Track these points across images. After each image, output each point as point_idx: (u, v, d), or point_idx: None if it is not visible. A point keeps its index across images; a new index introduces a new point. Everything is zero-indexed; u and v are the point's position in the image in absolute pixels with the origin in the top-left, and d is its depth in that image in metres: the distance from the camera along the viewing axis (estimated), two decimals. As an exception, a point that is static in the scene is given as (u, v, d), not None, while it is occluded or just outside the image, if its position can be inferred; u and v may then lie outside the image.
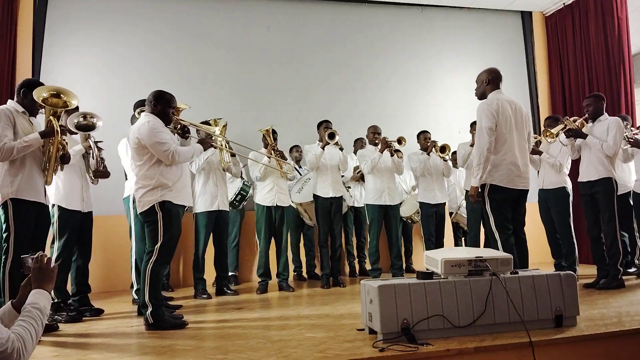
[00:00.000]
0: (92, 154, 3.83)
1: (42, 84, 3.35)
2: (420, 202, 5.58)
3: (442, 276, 2.81)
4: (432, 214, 5.51)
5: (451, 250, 3.02)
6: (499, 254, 2.91)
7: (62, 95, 3.27)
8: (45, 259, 1.90)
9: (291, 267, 5.71)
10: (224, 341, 2.88)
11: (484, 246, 5.59)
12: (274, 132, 5.14)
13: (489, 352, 2.48)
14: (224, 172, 5.04)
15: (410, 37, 7.02)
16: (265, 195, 5.12)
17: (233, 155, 5.04)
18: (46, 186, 3.37)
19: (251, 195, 5.58)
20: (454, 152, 5.74)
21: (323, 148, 5.14)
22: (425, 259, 2.97)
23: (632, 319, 3.02)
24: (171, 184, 3.43)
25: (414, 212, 6.00)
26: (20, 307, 1.83)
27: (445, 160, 5.48)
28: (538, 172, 5.19)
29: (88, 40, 5.98)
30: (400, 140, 5.23)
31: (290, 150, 6.04)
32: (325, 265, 5.25)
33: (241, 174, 5.48)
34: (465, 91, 6.99)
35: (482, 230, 5.37)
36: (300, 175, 5.79)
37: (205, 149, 3.86)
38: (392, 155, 5.33)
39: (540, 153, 5.04)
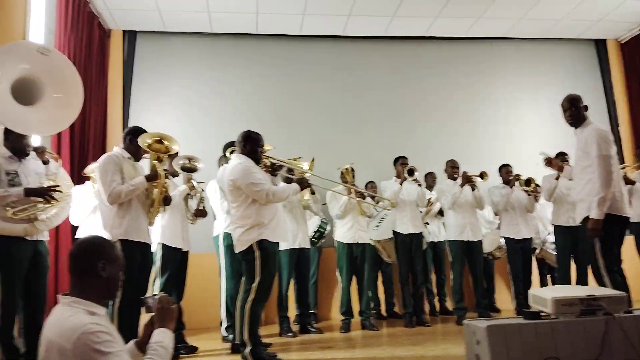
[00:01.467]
0: (194, 195, 4.01)
1: (146, 131, 3.57)
2: (505, 238, 5.41)
3: (552, 316, 2.70)
4: (518, 250, 5.33)
5: (559, 289, 2.91)
6: (612, 291, 2.77)
7: (164, 141, 3.48)
8: (167, 299, 1.98)
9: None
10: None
11: (578, 282, 5.31)
12: (352, 170, 5.20)
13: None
14: (303, 210, 5.13)
15: (482, 71, 7.00)
16: (345, 232, 5.15)
17: (313, 192, 5.13)
18: (149, 227, 3.55)
19: (329, 232, 5.62)
20: (537, 185, 5.56)
21: (401, 184, 5.13)
22: (531, 297, 2.88)
23: None
24: (267, 221, 3.54)
25: (495, 248, 5.84)
26: (143, 346, 1.91)
27: (530, 194, 5.32)
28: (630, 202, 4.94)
29: (170, 89, 6.35)
30: (482, 175, 5.15)
31: (365, 186, 6.06)
32: (407, 303, 5.17)
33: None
34: (541, 124, 6.88)
35: (572, 266, 5.16)
36: (377, 212, 5.79)
37: (302, 189, 3.95)
38: (472, 189, 5.25)
39: (633, 182, 4.82)
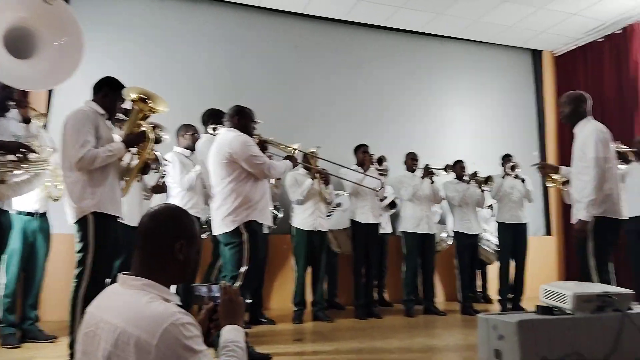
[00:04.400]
0: (157, 168, 3.51)
1: (123, 84, 3.03)
2: (456, 232, 5.50)
3: (570, 311, 2.69)
4: (468, 245, 5.45)
5: (572, 285, 2.93)
6: (622, 290, 2.84)
7: (148, 100, 2.97)
8: (234, 289, 1.64)
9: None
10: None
11: (515, 279, 5.54)
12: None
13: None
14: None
15: (432, 67, 7.06)
16: (305, 219, 4.90)
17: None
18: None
19: (280, 219, 5.32)
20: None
21: (364, 172, 5.00)
22: (545, 292, 2.85)
23: None
24: (256, 201, 3.21)
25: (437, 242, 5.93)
26: None
27: (483, 191, 5.44)
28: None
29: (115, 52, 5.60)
30: (446, 169, 5.18)
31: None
32: (360, 294, 5.06)
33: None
34: (476, 123, 7.12)
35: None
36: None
37: (294, 166, 3.66)
38: (432, 183, 5.26)
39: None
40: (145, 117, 2.94)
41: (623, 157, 4.60)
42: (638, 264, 4.66)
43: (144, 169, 3.04)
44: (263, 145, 3.60)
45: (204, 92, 5.75)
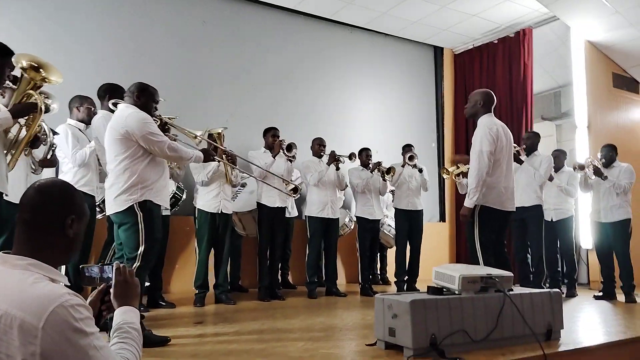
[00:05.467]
0: (46, 140, 3.25)
1: (12, 51, 2.77)
2: (358, 217, 5.68)
3: (457, 292, 2.90)
4: (369, 230, 5.65)
5: (459, 267, 3.14)
6: (504, 272, 3.10)
7: (41, 70, 2.75)
8: (129, 270, 1.58)
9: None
10: (246, 359, 2.63)
11: (410, 261, 5.86)
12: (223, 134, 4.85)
13: (516, 365, 2.63)
14: None
15: (339, 56, 7.17)
16: (210, 200, 4.81)
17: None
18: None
19: (184, 200, 5.17)
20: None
21: (274, 157, 4.99)
22: (435, 274, 3.04)
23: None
24: (151, 182, 3.09)
25: (340, 226, 6.09)
26: None
27: (384, 180, 5.65)
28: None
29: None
30: (351, 156, 5.31)
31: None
32: (264, 277, 5.08)
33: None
34: (380, 113, 7.38)
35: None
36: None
37: (205, 161, 3.52)
38: (337, 169, 5.38)
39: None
40: (36, 87, 2.72)
41: (516, 159, 5.00)
42: (518, 248, 5.12)
43: (34, 142, 2.82)
44: (164, 127, 3.46)
45: (103, 65, 5.41)
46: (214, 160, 3.79)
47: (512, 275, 3.09)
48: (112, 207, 3.07)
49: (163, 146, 3.04)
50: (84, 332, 1.19)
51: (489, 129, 3.72)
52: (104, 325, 1.46)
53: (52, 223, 1.31)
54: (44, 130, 3.32)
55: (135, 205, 3.02)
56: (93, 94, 4.18)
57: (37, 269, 1.26)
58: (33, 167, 3.48)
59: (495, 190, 3.69)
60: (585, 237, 6.26)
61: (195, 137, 3.71)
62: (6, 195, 2.85)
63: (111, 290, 1.53)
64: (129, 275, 1.55)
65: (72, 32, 5.42)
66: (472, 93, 3.99)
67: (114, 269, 1.54)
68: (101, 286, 1.57)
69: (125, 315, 1.48)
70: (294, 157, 5.07)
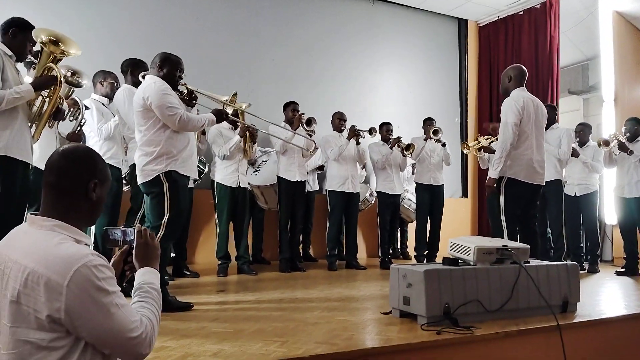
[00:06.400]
0: (76, 115, 3.36)
1: (32, 25, 2.86)
2: (379, 192, 5.71)
3: (472, 263, 2.93)
4: (390, 205, 5.68)
5: (475, 239, 3.16)
6: (520, 244, 3.11)
7: (60, 43, 2.82)
8: (150, 233, 1.65)
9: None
10: (264, 324, 2.73)
11: (430, 235, 5.88)
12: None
13: (528, 335, 2.67)
14: None
15: (361, 28, 7.10)
16: (229, 175, 4.90)
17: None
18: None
19: (205, 174, 5.28)
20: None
21: (295, 130, 5.03)
22: (451, 245, 3.07)
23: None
24: (177, 152, 3.16)
25: (361, 201, 6.13)
26: None
27: (404, 156, 5.63)
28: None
29: None
30: (371, 131, 5.32)
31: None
32: (285, 249, 5.17)
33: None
34: (401, 87, 7.32)
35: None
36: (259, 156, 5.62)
37: (219, 121, 3.56)
38: (357, 143, 5.40)
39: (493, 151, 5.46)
40: (56, 60, 2.80)
41: None
42: (537, 223, 5.06)
43: (56, 114, 2.91)
44: (191, 95, 3.50)
45: (124, 41, 5.48)
46: (227, 120, 3.81)
47: (529, 247, 3.09)
48: (140, 177, 3.16)
49: (175, 119, 3.07)
50: (106, 290, 1.27)
51: (515, 101, 3.73)
52: (124, 290, 1.53)
53: (76, 187, 1.38)
54: (78, 105, 3.44)
55: (161, 175, 3.10)
56: (113, 70, 4.27)
57: (63, 230, 1.33)
58: (59, 143, 3.59)
59: (523, 163, 3.70)
60: (610, 213, 6.17)
61: (224, 103, 3.73)
62: (31, 166, 2.96)
63: (133, 251, 1.61)
64: (149, 237, 1.62)
65: (96, 8, 5.50)
66: (505, 70, 3.97)
67: (135, 231, 1.61)
68: (124, 247, 1.65)
69: (145, 276, 1.55)
70: (313, 131, 5.09)
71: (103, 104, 4.17)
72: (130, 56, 4.21)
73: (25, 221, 1.42)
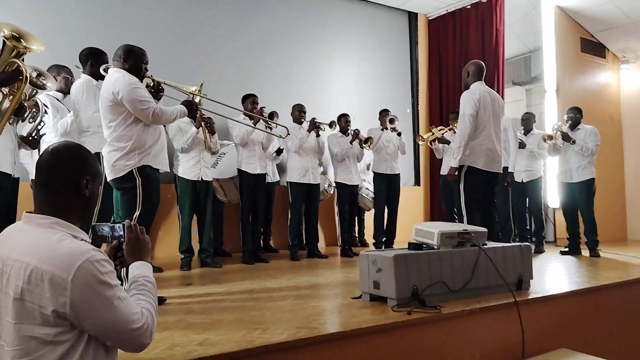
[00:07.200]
0: (35, 117, 3.26)
1: (-6, 21, 2.77)
2: (338, 183, 5.83)
3: (436, 247, 3.10)
4: (348, 194, 5.82)
5: (438, 225, 3.33)
6: (478, 228, 3.31)
7: (22, 39, 2.75)
8: (139, 228, 1.69)
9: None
10: (241, 313, 2.79)
11: (387, 223, 6.08)
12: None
13: (489, 311, 2.86)
14: None
15: (316, 21, 7.18)
16: (190, 168, 4.89)
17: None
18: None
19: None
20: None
21: (255, 124, 5.06)
22: (415, 231, 3.23)
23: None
24: (149, 146, 3.15)
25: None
26: None
27: (362, 147, 5.76)
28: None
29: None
30: (331, 124, 5.43)
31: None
32: (247, 241, 5.22)
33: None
34: (356, 79, 7.47)
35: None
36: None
37: (190, 113, 3.49)
38: (317, 136, 5.49)
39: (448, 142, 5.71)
40: (19, 55, 2.73)
41: None
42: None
43: (19, 110, 2.84)
44: (158, 87, 3.47)
45: (74, 34, 5.31)
46: (197, 110, 3.76)
47: (487, 230, 3.30)
48: (111, 173, 3.12)
49: (148, 113, 3.06)
50: (109, 284, 1.31)
51: (472, 94, 3.96)
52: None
53: (68, 185, 1.41)
54: (38, 107, 3.34)
55: (134, 170, 3.08)
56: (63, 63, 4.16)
57: (61, 227, 1.36)
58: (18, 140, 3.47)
59: (481, 152, 3.92)
60: (553, 197, 6.58)
61: (192, 94, 3.69)
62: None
63: (123, 247, 1.64)
64: (140, 232, 1.66)
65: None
66: (465, 66, 4.18)
67: (125, 227, 1.64)
68: (112, 243, 1.68)
69: (139, 270, 1.59)
70: (275, 125, 5.14)
71: (57, 99, 4.06)
72: (80, 50, 4.10)
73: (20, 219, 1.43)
